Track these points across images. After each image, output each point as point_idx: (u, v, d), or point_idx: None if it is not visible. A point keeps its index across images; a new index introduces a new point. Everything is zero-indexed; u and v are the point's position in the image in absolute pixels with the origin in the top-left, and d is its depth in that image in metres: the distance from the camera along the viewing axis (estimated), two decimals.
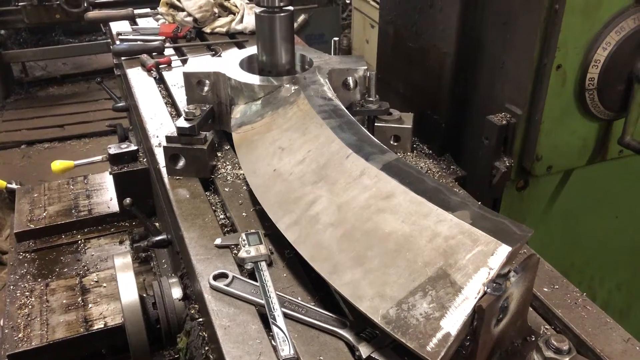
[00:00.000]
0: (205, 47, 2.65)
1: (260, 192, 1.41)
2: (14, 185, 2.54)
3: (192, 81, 1.74)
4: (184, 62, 2.50)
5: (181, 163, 1.64)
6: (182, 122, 1.63)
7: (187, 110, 1.65)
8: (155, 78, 2.37)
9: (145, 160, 2.18)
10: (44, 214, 2.40)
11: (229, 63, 1.79)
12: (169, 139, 1.64)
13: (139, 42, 2.61)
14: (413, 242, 1.09)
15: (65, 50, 6.91)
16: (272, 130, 1.55)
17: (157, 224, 2.15)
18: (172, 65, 2.44)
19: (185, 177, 1.65)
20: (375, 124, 1.77)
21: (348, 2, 6.78)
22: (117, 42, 2.64)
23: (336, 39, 1.97)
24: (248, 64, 1.85)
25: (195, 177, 1.65)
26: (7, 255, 3.27)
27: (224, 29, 2.76)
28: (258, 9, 1.73)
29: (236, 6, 2.81)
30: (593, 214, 2.06)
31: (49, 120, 6.04)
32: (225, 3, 2.82)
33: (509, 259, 1.00)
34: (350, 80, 1.78)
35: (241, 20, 2.77)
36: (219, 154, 1.77)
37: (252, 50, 1.89)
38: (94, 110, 6.15)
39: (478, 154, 1.80)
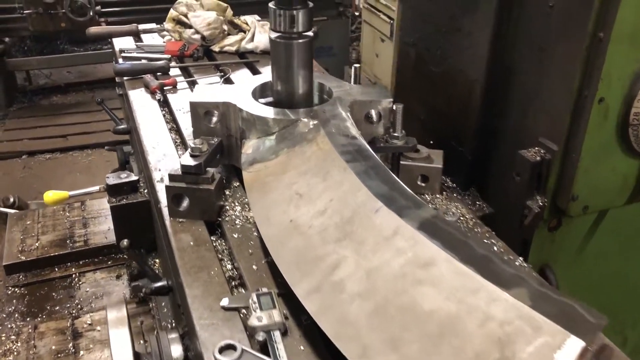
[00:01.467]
0: (213, 67, 2.49)
1: (274, 245, 1.23)
2: (5, 210, 2.37)
3: (199, 112, 1.57)
4: (191, 83, 2.33)
5: (185, 204, 1.46)
6: (187, 159, 1.46)
7: (193, 145, 1.48)
8: (159, 100, 2.21)
9: (146, 191, 2.00)
10: (37, 244, 2.23)
11: (240, 92, 1.62)
12: (172, 177, 1.46)
13: (142, 61, 2.45)
14: (460, 326, 0.91)
15: (70, 59, 6.77)
16: (288, 171, 1.38)
17: (157, 260, 1.98)
18: (178, 87, 2.28)
19: (189, 219, 1.47)
20: (401, 162, 1.59)
21: (357, 14, 6.62)
22: (120, 60, 2.48)
23: (357, 65, 1.80)
24: (261, 92, 1.69)
25: (200, 219, 1.47)
26: None
27: (233, 48, 2.59)
28: (274, 34, 1.56)
29: (247, 23, 2.64)
30: (627, 254, 1.92)
31: (51, 130, 5.87)
32: (236, 20, 2.65)
33: (582, 356, 0.82)
34: (374, 113, 1.61)
35: (252, 39, 2.61)
36: (227, 192, 1.59)
37: (265, 76, 1.72)
38: (97, 121, 5.98)
39: (507, 191, 1.64)
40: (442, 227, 1.07)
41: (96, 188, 2.01)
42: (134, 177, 1.99)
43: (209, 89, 1.66)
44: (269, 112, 1.52)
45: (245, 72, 2.44)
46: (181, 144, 1.95)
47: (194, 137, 1.60)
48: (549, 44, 1.52)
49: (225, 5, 2.66)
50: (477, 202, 1.78)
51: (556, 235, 1.75)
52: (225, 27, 2.63)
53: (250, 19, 2.65)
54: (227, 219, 1.49)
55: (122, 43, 2.69)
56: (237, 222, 1.48)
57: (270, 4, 1.53)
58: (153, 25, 2.82)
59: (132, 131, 2.44)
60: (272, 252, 1.23)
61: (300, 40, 1.54)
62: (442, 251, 1.00)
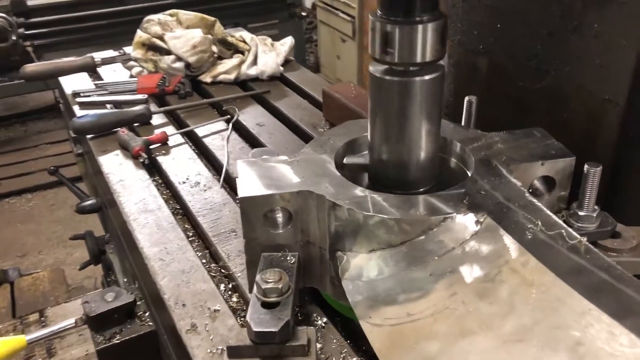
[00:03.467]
0: (210, 106, 1.79)
1: None
2: None
3: (257, 212, 0.90)
4: (187, 136, 1.63)
5: None
6: (261, 319, 0.78)
7: (266, 286, 0.80)
8: (144, 163, 1.50)
9: (148, 314, 1.30)
10: None
11: (315, 163, 0.96)
12: (234, 351, 0.78)
13: (110, 109, 1.73)
14: None
15: None
16: (470, 333, 0.73)
17: None
18: (170, 142, 1.58)
19: None
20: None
21: (304, 14, 5.98)
22: (77, 111, 1.74)
23: (473, 98, 1.16)
24: (346, 161, 1.03)
25: None
26: None
27: (231, 76, 1.90)
28: (378, 68, 0.90)
29: (244, 42, 1.96)
30: None
31: None
32: (229, 39, 1.96)
33: None
34: (541, 182, 0.98)
35: (254, 62, 1.92)
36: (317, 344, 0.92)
37: (346, 130, 1.06)
38: (35, 159, 5.13)
39: None
40: None
41: (70, 322, 1.29)
42: (127, 297, 1.28)
43: (260, 166, 0.97)
44: (390, 206, 0.86)
45: (257, 110, 1.76)
46: (197, 237, 1.27)
47: (247, 250, 0.93)
48: None
49: (212, 19, 1.97)
50: None
51: None
52: (215, 48, 1.94)
53: (249, 36, 1.96)
54: None
55: (75, 83, 1.94)
56: None
57: (370, 15, 0.88)
58: (113, 53, 2.09)
59: (104, 208, 1.72)
60: None
61: (429, 77, 0.88)
62: None
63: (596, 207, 0.97)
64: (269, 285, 0.81)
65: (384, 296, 0.82)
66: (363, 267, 0.87)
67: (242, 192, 0.90)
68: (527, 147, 1.00)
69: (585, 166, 0.94)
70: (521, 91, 1.51)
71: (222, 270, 1.14)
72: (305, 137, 1.60)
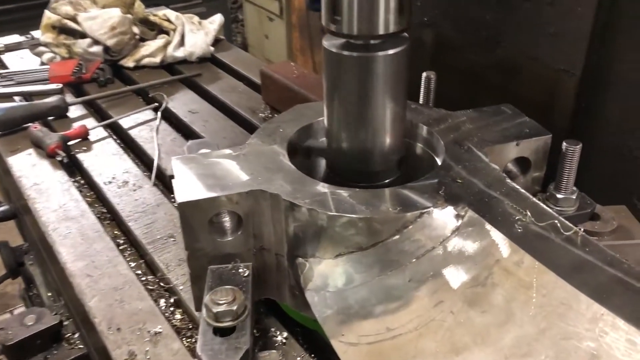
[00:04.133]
0: (133, 94, 1.61)
1: None
2: None
3: (200, 219, 0.76)
4: (113, 129, 1.45)
5: None
6: (215, 352, 0.65)
7: (218, 309, 0.67)
8: (62, 163, 1.32)
9: (78, 335, 1.13)
10: None
11: (274, 158, 0.82)
12: None
13: (19, 101, 1.52)
14: None
15: None
16: (465, 349, 0.62)
17: None
18: (92, 136, 1.39)
19: None
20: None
21: None
22: None
23: (431, 75, 1.05)
24: (297, 150, 0.90)
25: None
26: None
27: (156, 59, 1.72)
28: (334, 42, 0.77)
29: (169, 21, 1.77)
30: None
31: None
32: (152, 18, 1.77)
33: None
34: (514, 166, 0.89)
35: (181, 43, 1.75)
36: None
37: (294, 115, 0.93)
38: None
39: None
40: None
41: None
42: (51, 319, 1.11)
43: (199, 162, 0.83)
44: (358, 203, 0.74)
45: (188, 96, 1.59)
46: (129, 245, 1.11)
47: (190, 263, 0.79)
48: None
49: None
50: None
51: None
52: (136, 29, 1.75)
53: (174, 14, 1.78)
54: None
55: None
56: None
57: None
58: (19, 38, 1.86)
59: (19, 215, 1.52)
60: None
61: (393, 51, 0.76)
62: None
63: (574, 188, 0.89)
64: (222, 308, 0.68)
65: (357, 308, 0.71)
66: (329, 275, 0.75)
67: (180, 196, 0.75)
68: (498, 127, 0.90)
69: (564, 144, 0.86)
70: (470, 64, 1.43)
71: (161, 284, 0.99)
72: (245, 124, 1.46)
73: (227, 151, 0.86)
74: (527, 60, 1.29)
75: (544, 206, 0.73)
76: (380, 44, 0.77)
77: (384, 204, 0.74)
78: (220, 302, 0.69)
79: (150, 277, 1.02)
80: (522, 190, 0.76)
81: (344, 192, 0.75)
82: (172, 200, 1.18)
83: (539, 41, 1.26)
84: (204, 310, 0.71)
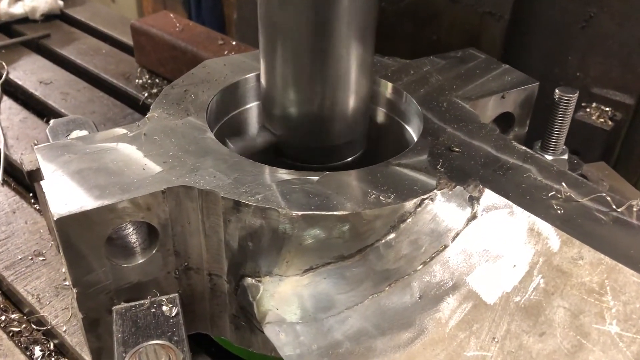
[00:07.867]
0: None
1: None
2: None
3: (92, 240, 0.49)
4: None
5: None
6: None
7: None
8: None
9: None
10: None
11: (192, 135, 0.57)
12: None
13: None
14: None
15: None
16: None
17: None
18: None
19: None
20: None
21: None
22: None
23: None
24: (222, 123, 0.65)
25: None
26: None
27: None
28: None
29: None
30: None
31: None
32: None
33: None
34: (496, 123, 0.71)
35: None
36: None
37: (206, 75, 0.67)
38: None
39: None
40: None
41: None
42: None
43: (78, 152, 0.54)
44: (336, 193, 0.51)
45: (37, 62, 1.24)
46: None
47: (81, 305, 0.52)
48: None
49: None
50: None
51: None
52: None
53: None
54: None
55: None
56: None
57: None
58: None
59: None
60: None
61: None
62: None
63: (564, 147, 0.73)
64: None
65: (349, 346, 0.49)
66: (296, 299, 0.52)
67: (56, 208, 0.48)
68: (474, 76, 0.71)
69: (557, 92, 0.68)
70: (379, 12, 1.24)
71: (34, 325, 0.70)
72: (117, 94, 1.16)
73: (120, 131, 0.58)
74: (446, 4, 1.12)
75: (574, 174, 0.55)
76: None
77: (370, 191, 0.52)
78: None
79: (14, 316, 0.72)
80: (538, 155, 0.57)
81: (311, 178, 0.52)
82: (34, 202, 0.87)
83: None
84: None
